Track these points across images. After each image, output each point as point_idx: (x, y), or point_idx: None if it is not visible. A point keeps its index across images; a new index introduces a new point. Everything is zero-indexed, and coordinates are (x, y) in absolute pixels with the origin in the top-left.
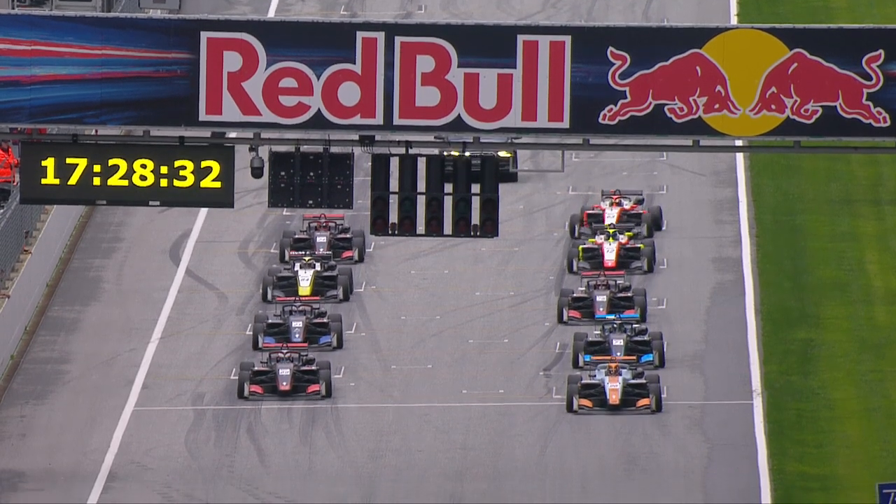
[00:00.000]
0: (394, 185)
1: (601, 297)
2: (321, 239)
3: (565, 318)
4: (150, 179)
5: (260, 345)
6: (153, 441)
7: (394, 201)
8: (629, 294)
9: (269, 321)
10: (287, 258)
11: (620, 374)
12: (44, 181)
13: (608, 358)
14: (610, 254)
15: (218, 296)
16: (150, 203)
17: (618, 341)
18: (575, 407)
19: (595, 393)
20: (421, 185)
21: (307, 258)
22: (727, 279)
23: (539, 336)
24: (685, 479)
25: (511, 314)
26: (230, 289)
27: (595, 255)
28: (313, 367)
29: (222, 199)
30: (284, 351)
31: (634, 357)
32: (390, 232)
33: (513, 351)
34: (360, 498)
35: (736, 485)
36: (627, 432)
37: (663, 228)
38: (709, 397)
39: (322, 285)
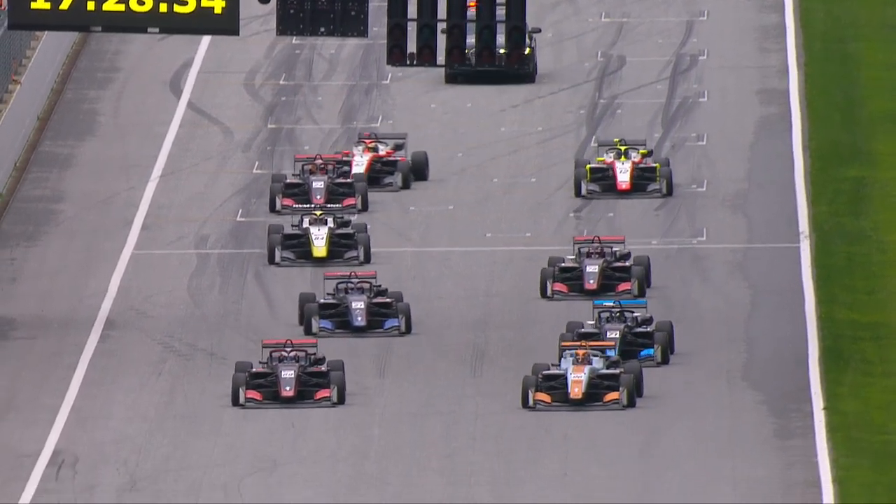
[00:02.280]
0: (412, 11)
1: (592, 268)
2: (318, 184)
3: (549, 292)
4: (149, 4)
5: (314, 329)
6: (153, 287)
7: (412, 29)
8: (627, 264)
9: (322, 301)
10: (279, 207)
11: (590, 364)
12: (33, 5)
13: (577, 343)
14: (623, 175)
15: (223, 130)
16: (149, 30)
17: (612, 333)
18: (531, 402)
19: (557, 385)
20: (441, 12)
21: (318, 213)
22: (773, 112)
23: (568, 175)
24: (726, 327)
25: (538, 151)
26: (236, 123)
27: (606, 177)
28: (322, 369)
29: (226, 25)
30: (288, 349)
31: (611, 343)
32: (408, 62)
33: (540, 191)
34: (376, 347)
35: (781, 334)
36: (665, 276)
37: (428, 179)
38: (752, 240)
39: (338, 244)
